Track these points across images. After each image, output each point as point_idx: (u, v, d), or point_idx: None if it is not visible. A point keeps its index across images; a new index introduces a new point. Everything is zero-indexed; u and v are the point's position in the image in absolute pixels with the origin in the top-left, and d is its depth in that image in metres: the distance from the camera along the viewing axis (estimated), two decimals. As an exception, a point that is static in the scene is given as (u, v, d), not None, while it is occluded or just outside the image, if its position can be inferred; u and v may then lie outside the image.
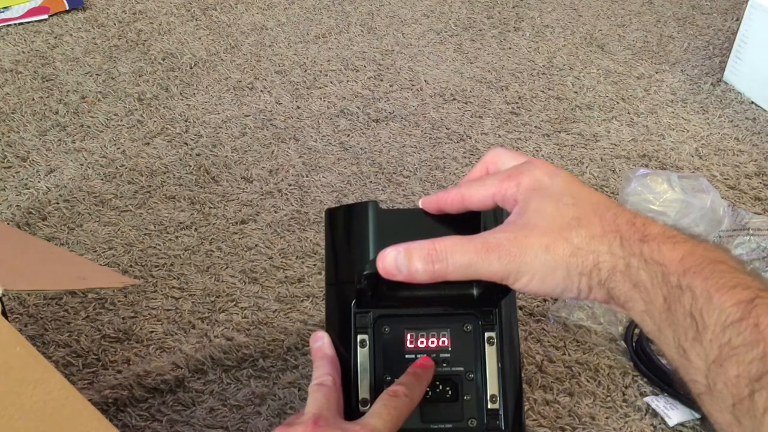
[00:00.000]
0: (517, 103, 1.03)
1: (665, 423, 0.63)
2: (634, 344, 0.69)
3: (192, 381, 0.66)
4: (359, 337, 0.51)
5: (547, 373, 0.68)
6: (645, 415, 0.64)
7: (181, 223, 0.83)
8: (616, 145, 0.96)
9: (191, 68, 1.08)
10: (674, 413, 0.64)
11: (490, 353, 0.52)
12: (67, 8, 1.20)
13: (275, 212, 0.84)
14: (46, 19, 1.18)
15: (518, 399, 0.52)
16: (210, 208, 0.85)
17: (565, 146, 0.95)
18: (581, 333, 0.71)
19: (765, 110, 1.02)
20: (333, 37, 1.17)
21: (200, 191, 0.87)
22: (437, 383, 0.51)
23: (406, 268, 0.42)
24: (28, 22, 1.17)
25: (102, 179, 0.88)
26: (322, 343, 0.52)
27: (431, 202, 0.48)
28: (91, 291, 0.74)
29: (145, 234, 0.81)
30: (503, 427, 0.51)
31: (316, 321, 0.72)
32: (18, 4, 1.21)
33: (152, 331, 0.71)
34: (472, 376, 0.51)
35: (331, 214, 0.54)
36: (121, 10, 1.22)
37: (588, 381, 0.67)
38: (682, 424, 0.64)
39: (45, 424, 0.39)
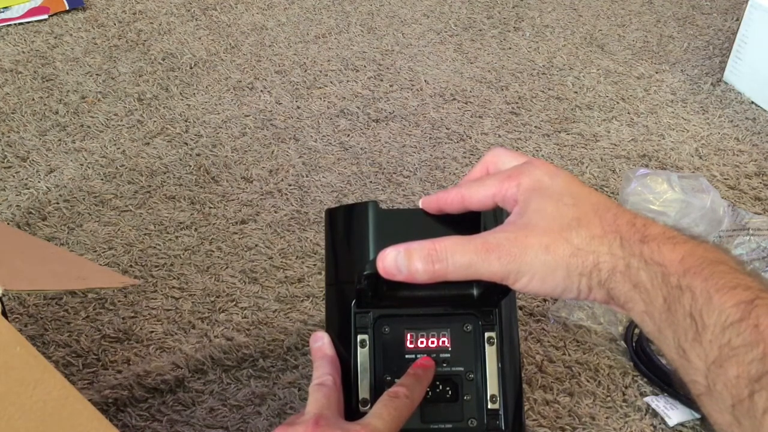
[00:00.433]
0: (517, 103, 1.03)
1: (665, 423, 0.63)
2: (634, 344, 0.69)
3: (192, 381, 0.66)
4: (359, 337, 0.51)
5: (547, 373, 0.68)
6: (645, 415, 0.64)
7: (181, 223, 0.83)
8: (616, 145, 0.96)
9: (191, 68, 1.08)
10: (674, 413, 0.64)
11: (490, 353, 0.52)
12: (67, 8, 1.20)
13: (275, 212, 0.84)
14: (46, 19, 1.18)
15: (518, 399, 0.52)
16: (210, 208, 0.85)
17: (565, 146, 0.95)
18: (581, 333, 0.71)
19: (765, 110, 1.02)
20: (333, 37, 1.17)
21: (200, 191, 0.87)
22: (437, 383, 0.51)
23: (406, 268, 0.42)
24: (28, 22, 1.17)
25: (102, 179, 0.88)
26: (322, 343, 0.52)
27: (431, 202, 0.48)
28: (91, 291, 0.74)
29: (145, 234, 0.81)
30: (503, 427, 0.51)
31: (316, 321, 0.72)
32: (18, 4, 1.21)
33: (152, 331, 0.71)
34: (472, 376, 0.51)
35: (331, 214, 0.54)
36: (121, 10, 1.22)
37: (588, 381, 0.67)
38: (682, 424, 0.64)
39: (45, 424, 0.39)
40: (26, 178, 0.88)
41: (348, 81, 1.07)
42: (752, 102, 1.04)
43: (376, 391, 0.51)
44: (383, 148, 0.94)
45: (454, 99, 1.04)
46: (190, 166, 0.91)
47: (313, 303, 0.74)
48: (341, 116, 1.00)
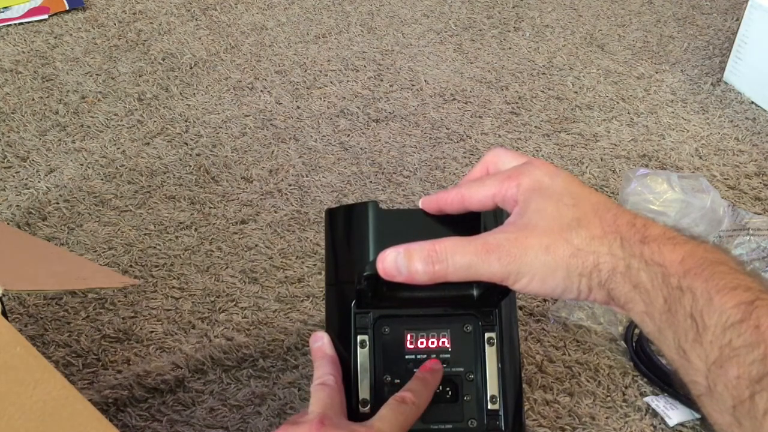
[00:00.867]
0: (517, 103, 1.03)
1: (665, 423, 0.63)
2: (634, 344, 0.69)
3: (192, 381, 0.66)
4: (359, 338, 0.51)
5: (547, 373, 0.68)
6: (645, 415, 0.64)
7: (181, 223, 0.83)
8: (616, 145, 0.96)
9: (191, 68, 1.08)
10: (674, 413, 0.64)
11: (490, 354, 0.52)
12: (67, 8, 1.20)
13: (275, 212, 0.84)
14: (46, 19, 1.18)
15: (518, 399, 0.52)
16: (210, 208, 0.85)
17: (565, 146, 0.95)
18: (581, 333, 0.71)
19: (765, 110, 1.02)
20: (333, 37, 1.17)
21: (200, 191, 0.87)
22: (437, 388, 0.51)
23: (406, 269, 0.42)
24: (28, 22, 1.17)
25: (102, 179, 0.88)
26: (321, 343, 0.52)
27: (431, 202, 0.48)
28: (91, 291, 0.74)
29: (145, 234, 0.81)
30: (503, 428, 0.51)
31: (316, 321, 0.72)
32: (18, 4, 1.21)
33: (152, 331, 0.71)
34: (472, 376, 0.51)
35: (331, 214, 0.54)
36: (121, 10, 1.22)
37: (588, 381, 0.67)
38: (682, 424, 0.64)
39: (45, 424, 0.39)
40: (26, 178, 0.88)
41: (348, 81, 1.07)
42: (752, 102, 1.04)
43: (376, 391, 0.51)
44: (383, 148, 0.94)
45: (454, 99, 1.04)
46: (190, 166, 0.91)
47: (313, 303, 0.74)
48: (341, 116, 1.00)
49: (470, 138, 0.96)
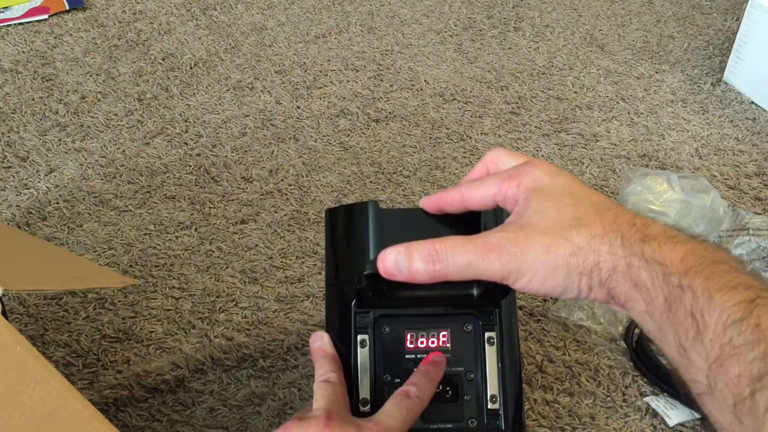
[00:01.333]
0: (517, 103, 1.03)
1: (665, 423, 0.63)
2: (634, 344, 0.69)
3: (192, 381, 0.66)
4: (359, 337, 0.51)
5: (547, 373, 0.68)
6: (645, 415, 0.64)
7: (181, 223, 0.83)
8: (616, 145, 0.96)
9: (191, 68, 1.08)
10: (674, 413, 0.64)
11: (490, 353, 0.52)
12: (67, 8, 1.20)
13: (275, 212, 0.84)
14: (46, 19, 1.18)
15: (518, 399, 0.53)
16: (210, 208, 0.85)
17: (565, 146, 0.95)
18: (581, 333, 0.71)
19: (765, 110, 1.02)
20: (333, 37, 1.17)
21: (200, 191, 0.87)
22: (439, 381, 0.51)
23: (407, 268, 0.42)
24: (28, 22, 1.17)
25: (102, 179, 0.88)
26: (322, 342, 0.52)
27: (431, 201, 0.48)
28: (91, 291, 0.74)
29: (145, 234, 0.81)
30: (503, 427, 0.51)
31: (316, 321, 0.72)
32: (18, 4, 1.21)
33: (152, 331, 0.71)
34: (472, 376, 0.52)
35: (331, 214, 0.54)
36: (121, 10, 1.22)
37: (588, 381, 0.67)
38: (682, 424, 0.64)
39: (45, 424, 0.39)
40: (26, 178, 0.88)
41: (348, 81, 1.07)
42: (752, 102, 1.04)
43: (376, 390, 0.51)
44: (383, 148, 0.94)
45: (454, 99, 1.04)
46: (190, 166, 0.91)
47: (313, 303, 0.74)
48: (341, 116, 1.00)
49: (470, 138, 0.96)
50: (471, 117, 1.00)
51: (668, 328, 0.37)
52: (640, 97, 1.05)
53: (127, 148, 0.93)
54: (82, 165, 0.90)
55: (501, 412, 0.51)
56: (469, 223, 0.48)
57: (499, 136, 0.97)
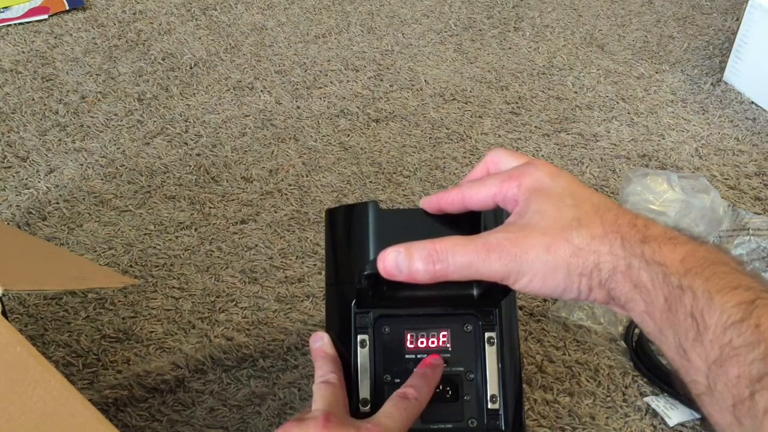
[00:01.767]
0: (517, 103, 1.03)
1: (665, 423, 0.63)
2: (634, 344, 0.69)
3: (192, 381, 0.66)
4: (359, 337, 0.51)
5: (547, 373, 0.68)
6: (645, 415, 0.64)
7: (181, 223, 0.83)
8: (616, 145, 0.96)
9: (191, 68, 1.08)
10: (674, 413, 0.64)
11: (491, 353, 0.52)
12: (67, 8, 1.20)
13: (275, 212, 0.84)
14: (46, 19, 1.18)
15: (518, 399, 0.53)
16: (210, 208, 0.85)
17: (565, 146, 0.95)
18: (581, 333, 0.71)
19: (765, 110, 1.02)
20: (333, 37, 1.17)
21: (200, 191, 0.87)
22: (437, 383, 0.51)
23: (407, 269, 0.42)
24: (28, 22, 1.17)
25: (102, 179, 0.88)
26: (322, 342, 0.52)
27: (432, 201, 0.48)
28: (91, 291, 0.74)
29: (145, 234, 0.81)
30: (503, 428, 0.51)
31: (316, 321, 0.72)
32: (18, 4, 1.21)
33: (152, 331, 0.71)
34: (472, 376, 0.52)
35: (331, 214, 0.54)
36: (121, 10, 1.22)
37: (588, 381, 0.67)
38: (682, 424, 0.64)
39: (45, 424, 0.39)
40: (26, 178, 0.88)
41: (348, 81, 1.07)
42: (752, 102, 1.04)
43: (376, 391, 0.51)
44: (383, 148, 0.94)
45: (454, 99, 1.04)
46: (190, 166, 0.91)
47: (313, 303, 0.74)
48: (341, 116, 1.00)
49: (470, 138, 0.96)
50: (471, 117, 1.00)
51: (668, 329, 0.37)
52: (640, 97, 1.05)
53: (127, 148, 0.93)
54: (82, 165, 0.90)
55: (501, 412, 0.51)
56: (470, 223, 0.48)
57: (499, 136, 0.97)
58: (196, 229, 0.82)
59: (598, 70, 1.11)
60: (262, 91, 1.04)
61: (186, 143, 0.94)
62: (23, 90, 1.03)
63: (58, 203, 0.85)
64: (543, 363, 0.68)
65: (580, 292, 0.40)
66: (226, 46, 1.13)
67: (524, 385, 0.65)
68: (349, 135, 0.96)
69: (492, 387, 0.51)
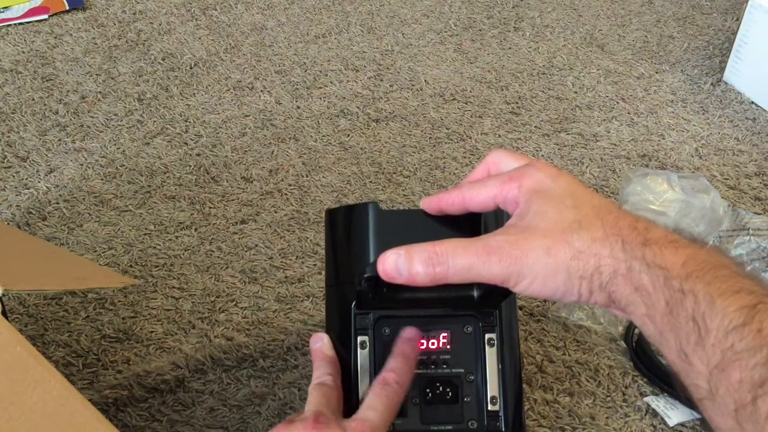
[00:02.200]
0: (517, 103, 1.03)
1: (665, 423, 0.64)
2: (634, 344, 0.69)
3: (192, 381, 0.66)
4: (359, 339, 0.51)
5: (547, 373, 0.68)
6: (645, 415, 0.64)
7: (181, 223, 0.83)
8: (616, 145, 0.96)
9: (191, 68, 1.08)
10: (674, 413, 0.64)
11: (491, 355, 0.52)
12: (67, 8, 1.20)
13: (275, 212, 0.84)
14: (46, 19, 1.18)
15: (518, 400, 0.53)
16: (210, 208, 0.85)
17: (565, 146, 0.95)
18: (581, 333, 0.71)
19: (765, 110, 1.02)
20: (333, 37, 1.17)
21: (200, 191, 0.87)
22: (437, 384, 0.51)
23: (407, 271, 0.42)
24: (28, 22, 1.17)
25: (102, 179, 0.88)
26: (322, 343, 0.52)
27: (432, 202, 0.48)
28: (91, 291, 0.74)
29: (145, 234, 0.81)
30: (503, 429, 0.51)
31: (316, 321, 0.72)
32: (18, 4, 1.21)
33: (152, 331, 0.71)
34: (472, 377, 0.52)
35: (331, 215, 0.54)
36: (121, 10, 1.22)
37: (588, 381, 0.67)
38: (682, 424, 0.64)
39: (45, 424, 0.39)
40: (26, 178, 0.88)
41: (348, 81, 1.06)
42: (752, 102, 1.04)
43: (377, 392, 0.51)
44: (383, 148, 0.94)
45: (454, 99, 1.04)
46: (190, 166, 0.91)
47: (313, 303, 0.74)
48: (341, 116, 1.00)
49: (470, 138, 0.96)
50: (471, 117, 1.00)
51: (669, 333, 0.37)
52: (640, 97, 1.05)
53: (127, 148, 0.93)
54: (82, 165, 0.90)
55: (501, 413, 0.51)
56: (470, 224, 0.48)
57: (499, 136, 0.97)
58: (196, 229, 0.82)
59: (598, 70, 1.11)
60: (262, 91, 1.04)
61: (186, 143, 0.94)
62: (23, 90, 1.03)
63: (58, 203, 0.85)
64: (543, 363, 0.69)
65: (580, 295, 0.40)
66: (226, 46, 1.13)
67: (524, 385, 0.65)
68: (349, 135, 0.96)
69: (492, 388, 0.51)
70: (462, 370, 0.52)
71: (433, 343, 0.52)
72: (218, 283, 0.76)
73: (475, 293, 0.50)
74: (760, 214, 0.85)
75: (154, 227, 0.82)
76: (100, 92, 1.03)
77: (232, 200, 0.86)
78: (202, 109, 1.00)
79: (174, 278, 0.76)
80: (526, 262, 0.40)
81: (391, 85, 1.06)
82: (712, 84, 1.07)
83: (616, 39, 1.18)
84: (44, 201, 0.85)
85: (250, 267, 0.77)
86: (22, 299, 0.74)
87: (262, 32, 1.17)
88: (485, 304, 0.51)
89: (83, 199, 0.86)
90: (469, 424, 0.51)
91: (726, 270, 0.37)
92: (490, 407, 0.51)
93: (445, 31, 1.19)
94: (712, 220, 0.78)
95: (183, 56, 1.11)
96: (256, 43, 1.14)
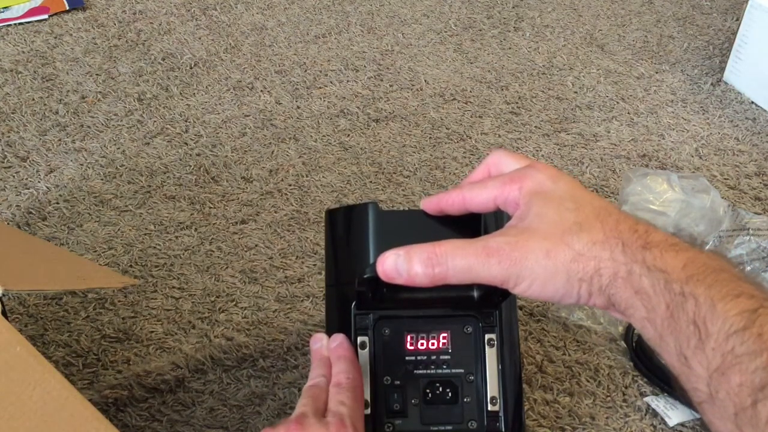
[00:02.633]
0: (517, 103, 1.03)
1: (665, 423, 0.64)
2: (634, 344, 0.69)
3: (192, 381, 0.66)
4: (359, 339, 0.51)
5: (547, 373, 0.68)
6: (645, 415, 0.64)
7: (181, 223, 0.83)
8: (616, 145, 0.96)
9: (191, 68, 1.08)
10: (674, 413, 0.64)
11: (490, 355, 0.52)
12: (67, 8, 1.20)
13: (275, 212, 0.84)
14: (46, 19, 1.18)
15: (518, 400, 0.53)
16: (210, 208, 0.85)
17: (565, 146, 0.95)
18: (581, 333, 0.71)
19: (765, 110, 1.02)
20: (333, 37, 1.17)
21: (200, 191, 0.87)
22: (437, 385, 0.51)
23: (406, 272, 0.42)
24: (28, 22, 1.17)
25: (102, 179, 0.88)
26: (321, 344, 0.52)
27: (432, 202, 0.48)
28: (91, 291, 0.74)
29: (145, 234, 0.81)
30: (503, 429, 0.51)
31: (316, 321, 0.72)
32: (18, 4, 1.21)
33: (152, 331, 0.71)
34: (472, 378, 0.52)
35: (332, 215, 0.54)
36: (121, 10, 1.22)
37: (588, 381, 0.67)
38: (682, 424, 0.64)
39: (45, 424, 0.39)
40: (26, 178, 0.88)
41: (348, 81, 1.06)
42: (752, 102, 1.04)
43: (376, 392, 0.51)
44: (383, 148, 0.94)
45: (454, 99, 1.03)
46: (190, 166, 0.91)
47: (313, 303, 0.74)
48: (341, 116, 1.00)
49: (470, 138, 0.96)
50: (471, 117, 1.00)
51: (669, 336, 0.37)
52: (640, 97, 1.05)
53: (127, 148, 0.93)
54: (82, 165, 0.90)
55: (501, 414, 0.51)
56: (470, 225, 0.48)
57: (499, 136, 0.97)
58: (196, 229, 0.82)
59: (598, 70, 1.11)
60: (262, 91, 1.04)
61: (186, 143, 0.94)
62: (23, 90, 1.03)
63: (58, 203, 0.85)
64: (543, 363, 0.69)
65: (579, 297, 0.40)
66: (226, 46, 1.13)
67: (524, 385, 0.65)
68: (349, 135, 0.96)
69: (492, 389, 0.51)
70: (462, 371, 0.52)
71: (433, 344, 0.52)
72: (218, 283, 0.76)
73: (475, 294, 0.50)
74: (760, 214, 0.85)
75: (154, 227, 0.82)
76: (100, 92, 1.03)
77: (232, 200, 0.86)
78: (202, 109, 1.00)
79: (174, 278, 0.76)
80: (526, 264, 0.40)
81: (391, 85, 1.06)
82: (712, 84, 1.07)
83: (616, 39, 1.18)
84: (44, 201, 0.85)
85: (250, 267, 0.77)
86: (22, 299, 0.74)
87: (262, 32, 1.17)
88: (485, 305, 0.51)
89: (83, 199, 0.86)
90: (469, 424, 0.51)
91: (726, 273, 0.37)
92: (490, 407, 0.51)
93: (445, 31, 1.19)
94: (712, 220, 0.78)
95: (183, 56, 1.11)
96: (256, 43, 1.14)
